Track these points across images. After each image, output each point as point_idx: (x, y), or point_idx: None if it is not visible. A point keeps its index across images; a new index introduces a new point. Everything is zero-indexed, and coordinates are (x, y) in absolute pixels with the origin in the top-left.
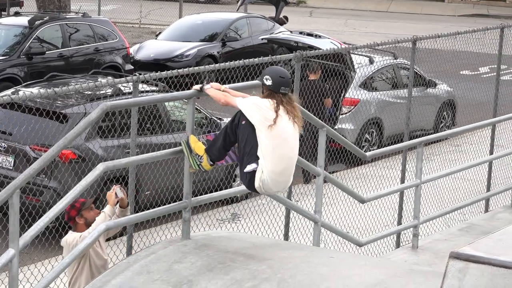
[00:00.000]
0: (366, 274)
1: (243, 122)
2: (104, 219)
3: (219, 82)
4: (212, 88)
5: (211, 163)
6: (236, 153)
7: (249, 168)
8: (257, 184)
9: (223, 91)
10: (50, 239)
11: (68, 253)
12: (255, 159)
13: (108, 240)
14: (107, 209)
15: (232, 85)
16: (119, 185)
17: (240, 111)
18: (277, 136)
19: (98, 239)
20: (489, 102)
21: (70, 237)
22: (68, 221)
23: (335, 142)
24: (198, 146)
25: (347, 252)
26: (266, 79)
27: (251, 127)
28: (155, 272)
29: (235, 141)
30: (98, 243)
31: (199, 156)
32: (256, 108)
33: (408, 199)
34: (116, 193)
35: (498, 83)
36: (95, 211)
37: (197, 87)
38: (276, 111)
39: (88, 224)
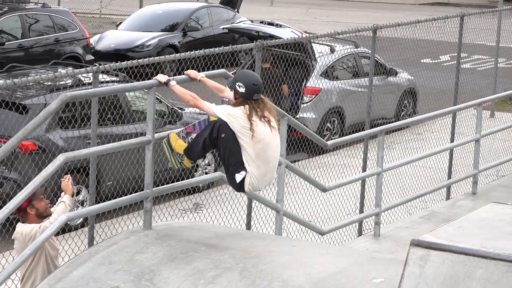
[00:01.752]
0: (328, 262)
1: (223, 135)
2: (65, 209)
3: (181, 73)
4: (178, 86)
5: (192, 161)
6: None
7: (239, 177)
8: (247, 188)
9: (199, 80)
10: (11, 231)
11: (23, 245)
12: (242, 166)
13: (69, 231)
14: (66, 198)
15: (179, 77)
16: (69, 175)
17: (218, 122)
18: (258, 142)
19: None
20: (449, 90)
21: (27, 228)
22: (18, 213)
23: (296, 131)
24: (179, 144)
25: (309, 241)
26: (239, 86)
27: (232, 139)
28: (117, 263)
29: (214, 148)
30: None
31: (180, 155)
32: (232, 118)
33: (370, 188)
34: (72, 183)
35: (458, 71)
36: (45, 201)
37: (162, 79)
38: (250, 119)
39: (39, 215)
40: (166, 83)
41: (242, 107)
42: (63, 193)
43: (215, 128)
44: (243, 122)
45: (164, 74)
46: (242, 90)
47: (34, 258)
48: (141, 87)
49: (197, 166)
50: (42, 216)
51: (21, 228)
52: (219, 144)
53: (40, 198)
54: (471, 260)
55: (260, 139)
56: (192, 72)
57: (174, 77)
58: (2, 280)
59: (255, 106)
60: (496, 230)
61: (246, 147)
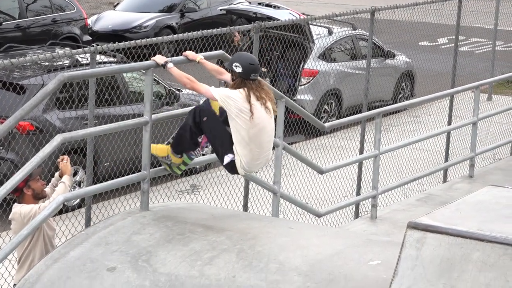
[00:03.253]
0: (325, 244)
1: (205, 119)
2: (64, 190)
3: (178, 54)
4: (175, 68)
5: (179, 155)
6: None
7: (227, 159)
8: (240, 171)
9: (198, 61)
10: (8, 211)
11: (21, 226)
12: (230, 149)
13: (66, 211)
14: (66, 179)
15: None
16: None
17: (199, 107)
18: (254, 126)
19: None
20: (447, 73)
21: (26, 208)
22: (14, 193)
23: (293, 113)
24: (159, 149)
25: (306, 223)
26: (236, 67)
27: (214, 121)
28: (114, 244)
29: (201, 134)
30: None
31: (165, 157)
32: (230, 100)
33: (367, 170)
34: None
35: (456, 54)
36: (42, 182)
37: (159, 60)
38: (249, 101)
39: (35, 196)
40: (164, 65)
41: (240, 89)
42: (56, 173)
43: (196, 113)
44: (240, 104)
45: (162, 55)
46: (239, 70)
47: (32, 239)
48: (138, 68)
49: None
50: (38, 197)
51: (19, 209)
52: (203, 128)
53: (37, 178)
54: (468, 243)
55: (256, 123)
56: (190, 54)
57: (172, 58)
58: (0, 260)
59: (253, 87)
60: (493, 213)
61: (241, 130)
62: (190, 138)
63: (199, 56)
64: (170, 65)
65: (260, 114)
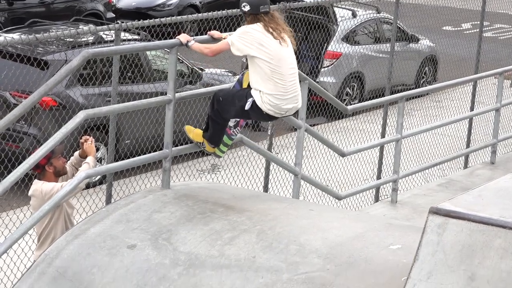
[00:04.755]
0: (345, 227)
1: (220, 99)
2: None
3: (202, 34)
4: (197, 44)
5: (213, 146)
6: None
7: (248, 105)
8: (267, 108)
9: (224, 39)
10: (30, 186)
11: (40, 203)
12: (248, 94)
13: (87, 188)
14: (90, 160)
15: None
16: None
17: (212, 98)
18: (274, 57)
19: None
20: (471, 59)
21: (47, 186)
22: (36, 169)
23: (316, 95)
24: (196, 133)
25: (326, 205)
26: (244, 6)
27: (224, 91)
28: (135, 221)
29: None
30: None
31: (200, 143)
32: (249, 35)
33: (388, 154)
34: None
35: (480, 39)
36: (63, 159)
37: (183, 39)
38: (265, 34)
39: (57, 173)
40: (187, 44)
41: (255, 24)
42: (76, 153)
43: (214, 102)
44: (259, 37)
45: (185, 34)
46: (247, 8)
47: (53, 216)
48: (163, 46)
49: None
50: (59, 174)
51: (40, 186)
52: (222, 108)
53: (59, 156)
54: (490, 230)
55: (276, 53)
56: (216, 33)
57: (196, 37)
58: (20, 235)
59: (266, 20)
60: None
61: (262, 65)
62: (222, 128)
63: (224, 35)
64: (191, 42)
65: (277, 46)
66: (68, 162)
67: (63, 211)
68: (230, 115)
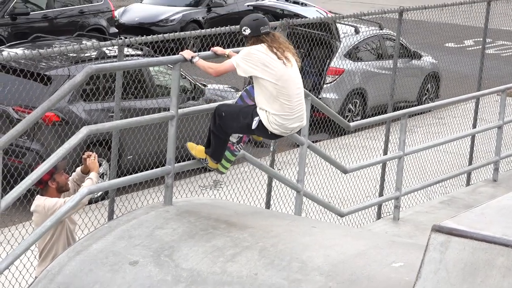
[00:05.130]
0: (348, 244)
1: (223, 114)
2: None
3: (205, 49)
4: (201, 61)
5: (216, 162)
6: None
7: (255, 124)
8: (273, 128)
9: (227, 55)
10: (32, 202)
11: (43, 218)
12: (254, 113)
13: (89, 204)
14: (93, 176)
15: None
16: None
17: (214, 112)
18: (280, 77)
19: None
20: (473, 75)
21: (50, 202)
22: (38, 185)
23: (318, 111)
24: (198, 150)
25: (328, 222)
26: (244, 30)
27: (229, 106)
28: (137, 237)
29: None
30: None
31: (203, 160)
32: (253, 56)
33: (391, 171)
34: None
35: (483, 56)
36: (66, 175)
37: (187, 55)
38: (269, 54)
39: (59, 189)
40: (191, 60)
41: (259, 45)
42: (78, 169)
43: (216, 117)
44: (263, 58)
45: (189, 50)
46: (248, 31)
47: (55, 232)
48: (166, 62)
49: None
50: (62, 190)
51: (43, 202)
52: (225, 122)
53: (61, 172)
54: (492, 248)
55: (282, 73)
56: (219, 49)
57: (199, 53)
58: (22, 251)
59: (268, 41)
60: None
61: (268, 86)
62: (224, 143)
63: (227, 51)
64: (196, 59)
65: (282, 66)
66: (70, 178)
67: (65, 227)
68: (233, 130)
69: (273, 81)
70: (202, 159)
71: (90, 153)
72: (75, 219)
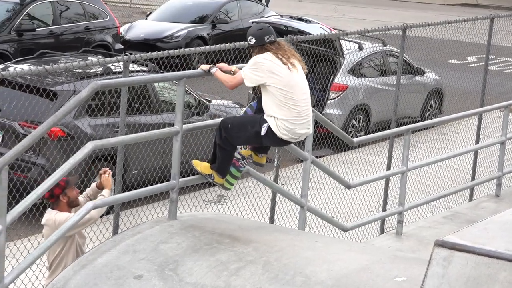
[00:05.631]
0: (351, 259)
1: (229, 127)
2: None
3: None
4: (219, 72)
5: (222, 176)
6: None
7: (263, 130)
8: (282, 134)
9: (233, 72)
10: (37, 216)
11: (53, 232)
12: (262, 121)
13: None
14: (106, 193)
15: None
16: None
17: (219, 126)
18: (287, 83)
19: (96, 213)
20: (476, 92)
21: (61, 216)
22: (49, 199)
23: (322, 127)
24: (204, 166)
25: (332, 237)
26: (250, 40)
27: (234, 117)
28: (141, 252)
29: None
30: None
31: (209, 175)
32: (260, 65)
33: (394, 186)
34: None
35: (486, 72)
36: (77, 190)
37: (205, 67)
38: (275, 61)
39: (70, 203)
40: (209, 71)
41: (264, 53)
42: (93, 184)
43: (221, 130)
44: (270, 65)
45: (198, 65)
46: (253, 41)
47: (65, 246)
48: (171, 78)
49: None
50: (72, 204)
51: (54, 216)
52: (232, 135)
53: (73, 187)
54: (495, 263)
55: (289, 79)
56: (224, 66)
57: (218, 64)
58: (28, 264)
59: (273, 49)
60: None
61: (275, 93)
62: (230, 156)
63: (233, 67)
64: (213, 69)
65: (288, 72)
66: (84, 193)
67: (74, 240)
68: (240, 141)
69: (280, 87)
70: (208, 174)
71: (106, 169)
72: (84, 233)
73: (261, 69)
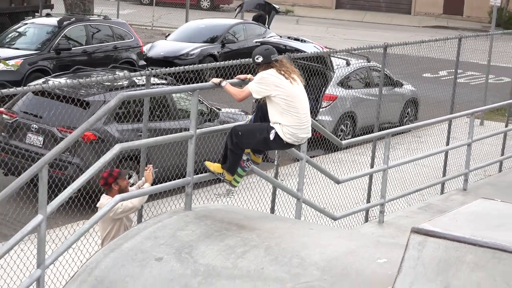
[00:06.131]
0: (340, 244)
1: (240, 133)
2: (143, 196)
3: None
4: (229, 85)
5: (231, 174)
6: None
7: (272, 136)
8: (286, 139)
9: (249, 79)
10: (73, 207)
11: (104, 219)
12: (270, 128)
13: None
14: (146, 185)
15: (231, 80)
16: (151, 165)
17: (231, 132)
18: (289, 94)
19: (137, 201)
20: (447, 101)
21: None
22: (104, 186)
23: (315, 131)
24: (216, 166)
25: (324, 225)
26: (257, 58)
27: (244, 126)
28: (161, 238)
29: (242, 151)
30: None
31: (220, 174)
32: (265, 80)
33: (376, 181)
34: (152, 173)
35: (455, 85)
36: (127, 181)
37: (215, 81)
38: (279, 73)
39: (120, 191)
40: (219, 84)
41: (269, 70)
42: (143, 178)
43: (233, 136)
44: (274, 80)
45: (209, 79)
46: (260, 59)
47: (114, 226)
48: (186, 90)
49: None
50: (122, 192)
51: (106, 201)
52: (243, 142)
53: (124, 178)
54: (462, 247)
55: (291, 91)
56: (242, 76)
57: (228, 80)
58: (65, 249)
59: (277, 66)
60: (484, 222)
61: (280, 103)
62: (239, 158)
63: (248, 76)
64: (224, 83)
65: (289, 85)
66: (136, 184)
67: (123, 222)
68: (250, 146)
69: (284, 97)
70: (220, 173)
71: (150, 166)
72: (131, 217)
73: (267, 83)
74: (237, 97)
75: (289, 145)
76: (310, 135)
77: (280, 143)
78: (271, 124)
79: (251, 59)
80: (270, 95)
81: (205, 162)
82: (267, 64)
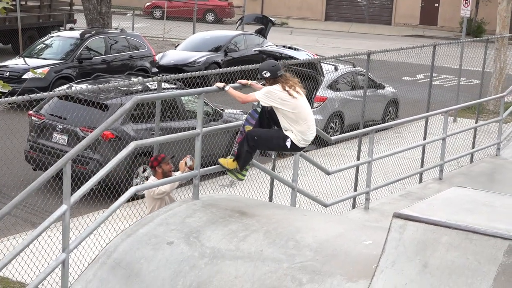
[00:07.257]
0: (330, 228)
1: (256, 138)
2: (173, 184)
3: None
4: (232, 89)
5: (242, 169)
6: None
7: (288, 144)
8: (301, 145)
9: (250, 85)
10: (94, 198)
11: (148, 196)
12: (285, 136)
13: (137, 199)
14: (177, 173)
15: (233, 84)
16: (190, 156)
17: (246, 136)
18: (295, 107)
19: (168, 187)
20: (423, 101)
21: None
22: (151, 168)
23: None
24: (230, 163)
25: (316, 211)
26: (265, 73)
27: (260, 132)
28: (172, 224)
29: (256, 149)
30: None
31: (235, 169)
32: (272, 93)
33: (362, 172)
34: (186, 162)
35: (430, 86)
36: (170, 165)
37: (219, 85)
38: (284, 89)
39: (164, 174)
40: (223, 88)
41: (275, 85)
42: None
43: (249, 140)
44: (280, 94)
45: (212, 83)
46: (268, 74)
47: (156, 205)
48: (194, 93)
49: None
50: (166, 175)
51: (151, 181)
52: (259, 146)
53: (167, 162)
54: (439, 229)
55: (296, 105)
56: (243, 81)
57: (230, 84)
58: (87, 235)
59: (282, 81)
60: (458, 207)
61: (288, 114)
62: (251, 157)
63: (249, 82)
64: (227, 87)
65: (294, 99)
66: (178, 172)
67: (163, 201)
68: (266, 149)
69: (290, 110)
70: (234, 169)
71: (186, 157)
72: (173, 197)
73: (273, 97)
74: (241, 100)
75: (301, 148)
76: (315, 133)
77: (294, 148)
78: (286, 133)
79: (250, 66)
80: (277, 107)
81: (219, 160)
82: (274, 79)
